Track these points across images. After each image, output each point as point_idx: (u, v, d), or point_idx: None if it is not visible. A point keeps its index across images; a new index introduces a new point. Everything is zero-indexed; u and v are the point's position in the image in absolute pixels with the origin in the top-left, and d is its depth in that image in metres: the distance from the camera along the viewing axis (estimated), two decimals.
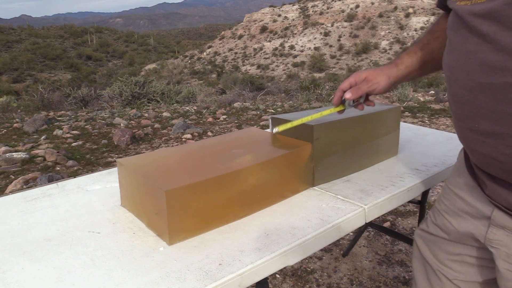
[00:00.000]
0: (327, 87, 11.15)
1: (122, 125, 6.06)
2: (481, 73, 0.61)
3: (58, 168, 4.02)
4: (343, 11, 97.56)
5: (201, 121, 6.48)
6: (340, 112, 1.04)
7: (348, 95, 0.95)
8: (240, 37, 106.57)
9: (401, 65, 0.97)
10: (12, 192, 2.69)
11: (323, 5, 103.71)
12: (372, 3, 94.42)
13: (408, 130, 1.67)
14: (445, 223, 0.86)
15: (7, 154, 4.23)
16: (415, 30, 79.12)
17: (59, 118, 6.82)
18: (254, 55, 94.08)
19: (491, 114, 0.62)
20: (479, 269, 0.81)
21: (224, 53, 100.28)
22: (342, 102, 1.00)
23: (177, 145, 4.22)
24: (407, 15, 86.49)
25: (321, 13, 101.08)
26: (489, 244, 0.75)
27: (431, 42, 0.94)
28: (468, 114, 0.67)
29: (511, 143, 0.61)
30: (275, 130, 1.03)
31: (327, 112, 1.06)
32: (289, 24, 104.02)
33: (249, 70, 76.81)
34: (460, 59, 0.67)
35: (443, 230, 0.86)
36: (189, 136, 5.22)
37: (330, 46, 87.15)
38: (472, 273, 0.82)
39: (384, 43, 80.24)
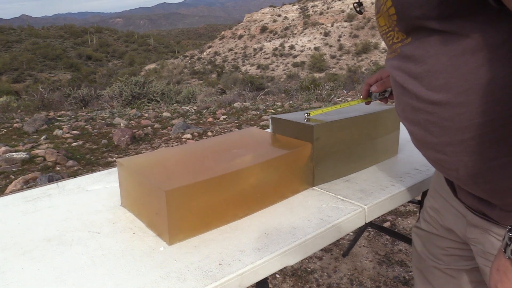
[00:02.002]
0: (327, 87, 11.15)
1: (122, 125, 6.06)
2: (408, 112, 0.71)
3: (58, 168, 4.02)
4: (343, 11, 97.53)
5: (201, 121, 6.49)
6: (367, 103, 1.16)
7: (373, 89, 1.07)
8: (240, 37, 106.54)
9: None
10: (12, 192, 2.70)
11: (323, 5, 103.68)
12: (372, 3, 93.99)
13: None
14: (432, 219, 0.90)
15: (7, 154, 4.23)
16: None
17: (59, 118, 6.82)
18: (254, 55, 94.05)
19: (427, 144, 0.70)
20: (465, 259, 0.85)
21: (224, 53, 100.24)
22: (369, 95, 1.11)
23: (177, 145, 4.22)
24: None
25: (321, 13, 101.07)
26: (469, 242, 0.79)
27: None
28: (416, 144, 0.75)
29: (450, 167, 0.67)
30: (306, 115, 1.11)
31: (355, 103, 1.17)
32: (289, 24, 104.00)
33: (249, 70, 76.79)
34: (396, 100, 0.77)
35: (432, 226, 0.90)
36: (189, 136, 5.22)
37: (330, 46, 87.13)
38: (460, 263, 0.87)
39: (384, 43, 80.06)
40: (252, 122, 6.21)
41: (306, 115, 1.11)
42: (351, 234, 2.32)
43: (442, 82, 0.61)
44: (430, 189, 0.94)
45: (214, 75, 58.05)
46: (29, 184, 3.42)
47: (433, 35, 0.60)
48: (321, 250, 2.22)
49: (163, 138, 5.28)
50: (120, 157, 2.82)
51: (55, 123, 6.29)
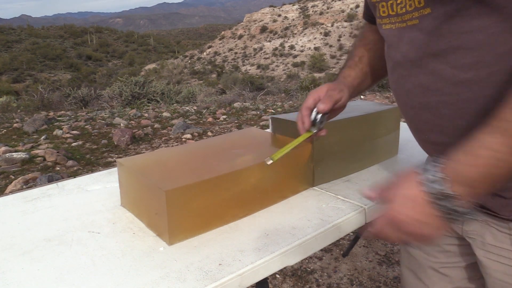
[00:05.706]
0: None
1: (122, 125, 6.06)
2: (418, 94, 0.66)
3: (58, 168, 4.02)
4: (343, 11, 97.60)
5: (201, 121, 6.49)
6: (308, 139, 0.93)
7: (321, 107, 0.85)
8: (240, 37, 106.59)
9: (349, 78, 0.95)
10: (12, 192, 2.70)
11: (323, 5, 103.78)
12: None
13: (408, 130, 1.67)
14: None
15: (7, 154, 4.23)
16: None
17: (59, 118, 6.82)
18: (254, 55, 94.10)
19: (435, 128, 0.67)
20: (460, 255, 0.85)
21: (224, 53, 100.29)
22: (313, 123, 0.89)
23: (177, 145, 4.22)
24: None
25: (321, 13, 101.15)
26: (466, 235, 0.78)
27: (365, 54, 0.95)
28: (417, 128, 0.73)
29: None
30: (269, 162, 0.90)
31: (302, 139, 0.93)
32: (289, 24, 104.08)
33: (249, 70, 76.83)
34: (398, 81, 0.71)
35: None
36: (189, 136, 5.23)
37: (330, 46, 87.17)
38: (455, 259, 0.86)
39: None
40: (252, 122, 6.21)
41: (268, 162, 0.91)
42: (351, 234, 2.32)
43: (473, 60, 0.56)
44: None
45: (214, 75, 58.10)
46: (29, 184, 3.42)
47: (470, 9, 0.55)
48: (321, 250, 2.22)
49: (163, 138, 5.28)
50: (120, 157, 2.82)
51: (55, 123, 6.29)
